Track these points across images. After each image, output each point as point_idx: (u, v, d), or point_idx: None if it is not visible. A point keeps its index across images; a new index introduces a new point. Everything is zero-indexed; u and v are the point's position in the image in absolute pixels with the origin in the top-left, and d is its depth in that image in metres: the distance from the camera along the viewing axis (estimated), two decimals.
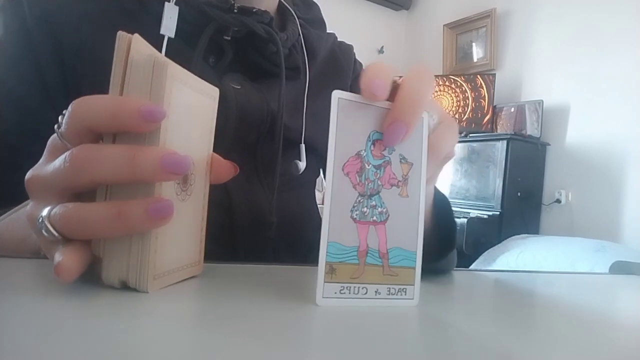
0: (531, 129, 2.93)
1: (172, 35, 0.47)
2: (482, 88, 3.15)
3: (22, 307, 0.23)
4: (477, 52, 3.47)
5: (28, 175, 0.30)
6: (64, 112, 0.28)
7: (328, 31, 0.68)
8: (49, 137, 0.50)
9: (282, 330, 0.24)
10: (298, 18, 0.61)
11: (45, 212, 0.27)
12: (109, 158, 0.26)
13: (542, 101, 2.91)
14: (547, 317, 0.36)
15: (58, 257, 0.26)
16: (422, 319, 0.30)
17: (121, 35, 0.28)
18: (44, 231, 0.27)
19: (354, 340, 0.23)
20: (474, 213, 2.77)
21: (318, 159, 0.62)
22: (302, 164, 0.57)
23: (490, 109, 3.10)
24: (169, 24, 0.47)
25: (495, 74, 3.17)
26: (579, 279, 0.62)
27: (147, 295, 0.27)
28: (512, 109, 3.06)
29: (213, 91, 0.34)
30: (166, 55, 0.45)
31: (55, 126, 0.29)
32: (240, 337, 0.22)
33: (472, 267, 2.44)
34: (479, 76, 3.21)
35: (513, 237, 2.61)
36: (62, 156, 0.27)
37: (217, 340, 0.21)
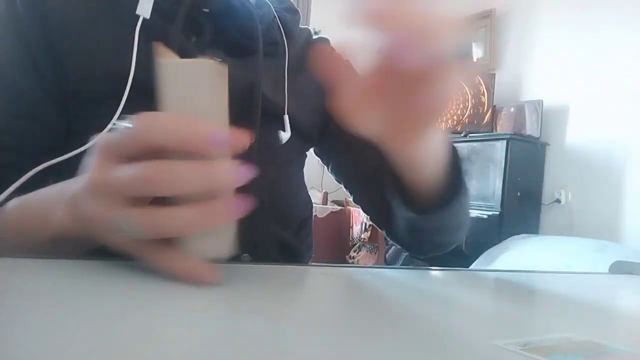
0: (531, 129, 2.93)
1: (147, 16, 0.50)
2: (482, 88, 3.15)
3: (22, 307, 0.23)
4: (476, 52, 3.47)
5: (92, 175, 0.30)
6: (119, 123, 0.29)
7: (310, 28, 0.71)
8: (43, 119, 0.51)
9: (281, 328, 0.24)
10: (272, 6, 0.63)
11: (125, 217, 0.29)
12: (188, 176, 0.28)
13: (542, 101, 2.91)
14: (546, 316, 0.36)
15: (192, 267, 0.29)
16: (417, 318, 0.30)
17: (157, 46, 0.30)
18: (128, 234, 0.29)
19: (349, 338, 0.23)
20: (474, 213, 2.77)
21: (301, 138, 0.63)
22: (285, 134, 0.58)
23: (490, 109, 3.10)
24: (144, 5, 0.50)
25: (494, 74, 3.16)
26: (579, 278, 0.62)
27: (148, 294, 0.27)
28: (512, 109, 3.06)
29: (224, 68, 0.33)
30: (146, 31, 0.49)
31: (118, 130, 0.30)
32: (239, 336, 0.22)
33: (472, 267, 2.43)
34: (478, 76, 3.20)
35: (513, 237, 2.61)
36: (135, 170, 0.28)
37: (216, 338, 0.21)
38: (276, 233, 0.58)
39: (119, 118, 0.46)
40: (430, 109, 0.34)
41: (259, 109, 0.56)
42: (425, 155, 0.42)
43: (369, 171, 0.64)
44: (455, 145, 0.47)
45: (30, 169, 0.44)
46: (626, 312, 0.42)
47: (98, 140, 0.31)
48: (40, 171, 0.43)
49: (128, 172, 0.28)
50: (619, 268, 0.67)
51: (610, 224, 2.59)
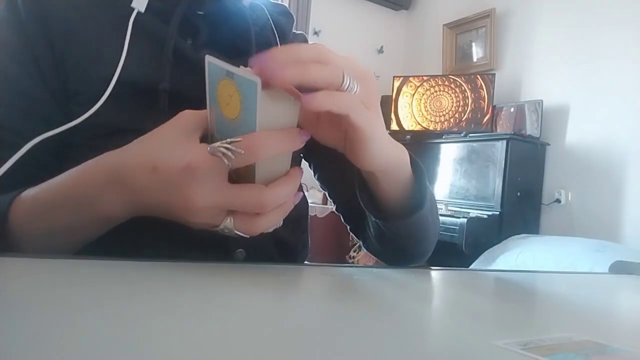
0: (531, 129, 2.93)
1: (142, 9, 0.51)
2: (482, 88, 3.15)
3: (22, 307, 0.23)
4: (476, 52, 3.47)
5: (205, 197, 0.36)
6: (227, 145, 0.34)
7: (310, 27, 0.71)
8: (49, 120, 0.51)
9: (280, 328, 0.24)
10: (267, 9, 0.64)
11: (229, 224, 0.37)
12: (274, 143, 0.35)
13: (542, 101, 2.91)
14: (546, 316, 0.36)
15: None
16: (411, 315, 0.30)
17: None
18: (231, 234, 0.38)
19: (348, 338, 0.23)
20: (474, 213, 2.77)
21: None
22: None
23: (490, 109, 3.10)
24: (140, 1, 0.51)
25: (494, 74, 3.16)
26: (579, 278, 0.62)
27: (147, 294, 0.27)
28: (512, 109, 3.06)
29: None
30: (143, 32, 0.51)
31: (222, 152, 0.34)
32: (238, 336, 0.22)
33: (472, 266, 2.43)
34: (478, 76, 3.20)
35: (513, 237, 2.61)
36: (253, 200, 0.36)
37: (216, 338, 0.21)
38: (274, 231, 0.59)
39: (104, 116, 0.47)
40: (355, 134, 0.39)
41: None
42: (383, 171, 0.45)
43: (349, 183, 0.65)
44: (420, 164, 0.50)
45: (36, 168, 0.46)
46: (626, 312, 0.42)
47: (197, 164, 0.35)
48: (39, 169, 0.44)
49: (245, 196, 0.36)
50: (619, 268, 0.67)
51: (610, 224, 2.59)
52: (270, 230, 0.39)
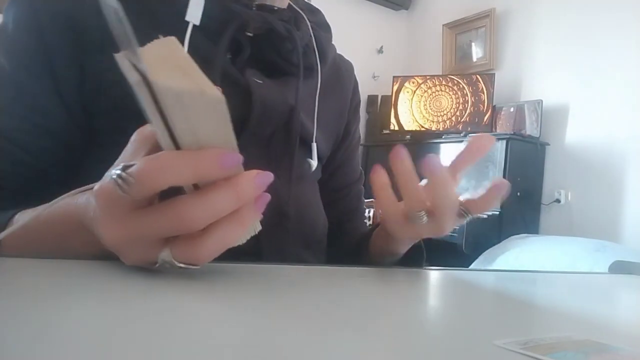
0: (530, 129, 2.93)
1: (197, 22, 0.48)
2: (482, 88, 3.14)
3: (22, 307, 0.23)
4: (476, 52, 3.46)
5: (120, 233, 0.29)
6: (122, 171, 0.27)
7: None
8: (64, 139, 0.50)
9: (279, 327, 0.24)
10: (308, 21, 0.61)
11: (166, 256, 0.30)
12: (219, 205, 0.28)
13: (542, 101, 2.91)
14: (546, 316, 0.36)
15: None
16: (410, 315, 0.30)
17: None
18: (174, 269, 0.30)
19: (347, 338, 0.23)
20: None
21: (320, 162, 0.64)
22: (314, 163, 0.59)
23: (490, 109, 3.10)
24: (194, 12, 0.48)
25: (494, 74, 3.16)
26: (579, 278, 0.62)
27: (149, 293, 0.27)
28: (512, 109, 3.06)
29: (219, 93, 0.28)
30: (188, 49, 0.47)
31: (114, 179, 0.27)
32: (237, 335, 0.22)
33: (471, 266, 2.43)
34: (478, 76, 3.20)
35: (513, 237, 2.61)
36: (163, 215, 0.28)
37: (215, 337, 0.21)
38: (299, 254, 0.59)
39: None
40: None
41: (298, 134, 0.56)
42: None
43: (346, 206, 0.69)
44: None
45: (45, 183, 0.46)
46: (626, 312, 0.42)
47: (98, 193, 0.29)
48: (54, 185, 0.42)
49: (156, 218, 0.28)
50: (619, 268, 0.67)
51: (610, 224, 2.59)
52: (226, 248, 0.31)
